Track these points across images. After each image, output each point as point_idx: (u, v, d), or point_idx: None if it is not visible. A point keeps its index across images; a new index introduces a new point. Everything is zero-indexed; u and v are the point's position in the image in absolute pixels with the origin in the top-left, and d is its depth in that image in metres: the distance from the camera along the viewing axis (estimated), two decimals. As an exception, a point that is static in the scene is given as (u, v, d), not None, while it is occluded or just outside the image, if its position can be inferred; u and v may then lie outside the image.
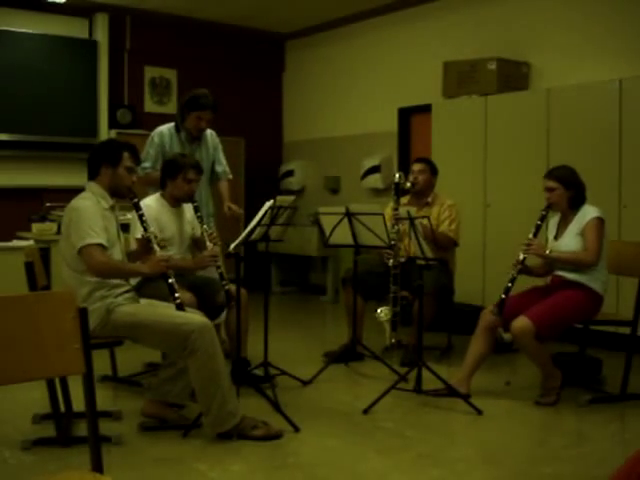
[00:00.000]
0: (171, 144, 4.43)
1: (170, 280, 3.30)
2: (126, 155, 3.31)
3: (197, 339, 3.10)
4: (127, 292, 3.33)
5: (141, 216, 3.37)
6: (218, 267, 3.80)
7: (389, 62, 7.31)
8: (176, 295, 3.30)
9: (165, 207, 4.00)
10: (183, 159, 4.02)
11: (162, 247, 3.38)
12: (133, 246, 3.75)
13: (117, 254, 3.30)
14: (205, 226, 3.88)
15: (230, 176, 4.77)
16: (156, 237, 3.39)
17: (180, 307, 3.31)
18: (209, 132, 4.60)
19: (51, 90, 6.81)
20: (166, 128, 4.50)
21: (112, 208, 3.33)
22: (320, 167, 8.14)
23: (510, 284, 3.79)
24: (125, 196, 3.38)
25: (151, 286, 3.71)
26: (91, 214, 3.16)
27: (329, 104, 8.05)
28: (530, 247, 3.80)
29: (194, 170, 3.96)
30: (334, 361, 4.52)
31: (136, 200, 3.38)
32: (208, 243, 3.79)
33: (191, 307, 3.51)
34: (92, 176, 3.32)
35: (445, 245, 4.65)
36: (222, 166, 4.67)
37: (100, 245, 3.14)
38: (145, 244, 3.41)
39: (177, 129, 4.48)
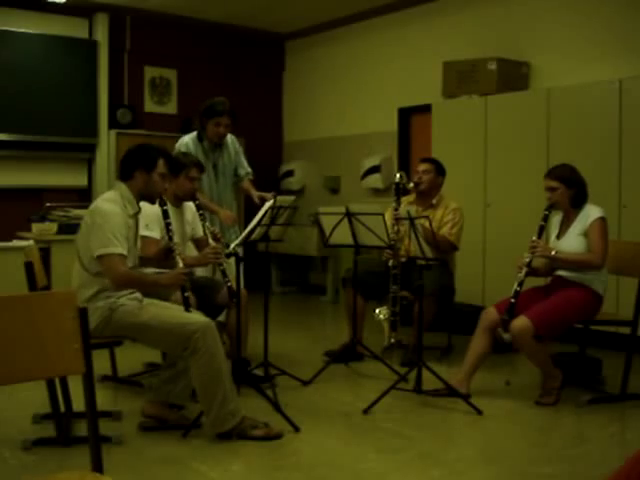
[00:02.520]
0: (196, 153, 4.46)
1: (186, 294, 3.31)
2: (161, 162, 3.31)
3: (200, 338, 3.10)
4: (131, 292, 3.32)
5: (168, 225, 3.37)
6: (220, 264, 3.80)
7: (389, 62, 7.31)
8: (189, 309, 3.30)
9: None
10: (185, 157, 4.05)
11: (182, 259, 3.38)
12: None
13: (131, 261, 3.28)
14: (207, 223, 3.88)
15: (252, 177, 4.81)
16: (178, 247, 3.39)
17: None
18: (229, 137, 4.66)
19: (51, 90, 6.81)
20: (189, 138, 4.56)
21: (136, 214, 3.33)
22: (320, 167, 8.14)
23: (519, 288, 3.78)
24: (154, 202, 3.39)
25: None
26: (117, 222, 3.15)
27: (329, 104, 8.05)
28: (536, 249, 3.79)
29: (196, 168, 3.99)
30: (334, 360, 4.52)
31: (166, 208, 3.39)
32: (211, 241, 3.79)
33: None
34: (125, 177, 3.31)
35: (444, 249, 4.58)
36: (244, 169, 4.74)
37: (121, 255, 3.13)
38: (165, 252, 3.42)
39: (200, 138, 4.53)
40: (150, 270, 3.59)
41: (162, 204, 3.38)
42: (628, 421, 3.77)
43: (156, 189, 3.32)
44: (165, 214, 3.38)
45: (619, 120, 4.99)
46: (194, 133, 4.57)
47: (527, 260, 3.81)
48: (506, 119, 5.70)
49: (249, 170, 4.76)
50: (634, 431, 3.61)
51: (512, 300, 3.77)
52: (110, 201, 3.23)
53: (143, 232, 3.77)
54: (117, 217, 3.16)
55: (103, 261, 3.11)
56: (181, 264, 3.32)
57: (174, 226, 3.96)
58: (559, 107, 5.35)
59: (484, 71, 5.84)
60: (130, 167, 3.30)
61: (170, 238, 3.38)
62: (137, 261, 3.40)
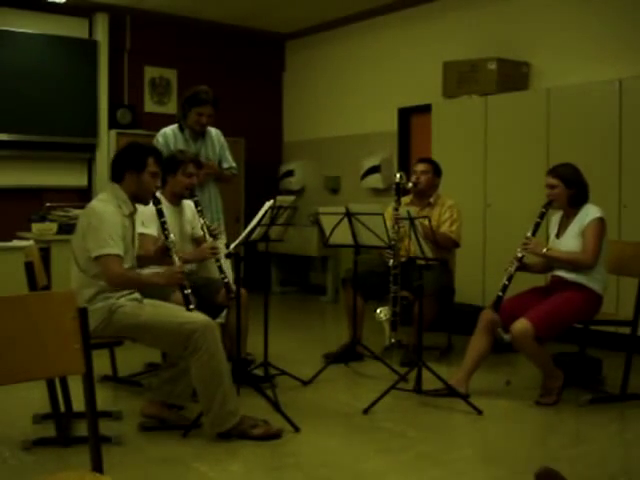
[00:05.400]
0: (175, 143, 4.50)
1: (186, 291, 3.26)
2: (151, 161, 3.28)
3: (199, 338, 3.10)
4: (130, 293, 3.31)
5: (163, 223, 3.34)
6: (217, 260, 3.78)
7: (389, 62, 7.31)
8: (190, 307, 3.25)
9: (165, 205, 3.98)
10: (182, 154, 4.07)
11: (179, 257, 3.33)
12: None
13: (129, 261, 3.27)
14: (205, 219, 3.88)
15: (236, 172, 4.86)
16: (175, 245, 3.36)
17: None
18: (214, 131, 4.67)
19: (51, 90, 6.81)
20: (170, 129, 4.59)
21: (131, 214, 3.31)
22: (320, 167, 8.14)
23: (507, 282, 3.80)
24: (147, 203, 3.36)
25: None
26: (112, 222, 3.14)
27: (329, 104, 8.05)
28: (528, 245, 3.80)
29: (193, 164, 4.00)
30: (334, 361, 4.52)
31: (160, 207, 3.36)
32: (208, 237, 3.78)
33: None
34: (116, 179, 3.30)
35: (446, 246, 4.64)
36: (228, 163, 4.75)
37: (117, 256, 3.12)
38: (162, 251, 3.40)
39: (180, 128, 4.56)
40: (148, 270, 3.58)
41: (156, 203, 3.36)
42: (628, 421, 3.77)
43: (148, 189, 3.30)
44: (160, 213, 3.36)
45: (619, 120, 4.99)
46: (175, 124, 4.59)
47: (519, 255, 3.82)
48: (506, 119, 5.70)
49: (233, 165, 4.77)
50: (634, 431, 3.59)
51: (499, 293, 3.78)
52: (105, 201, 3.22)
53: (140, 229, 3.77)
54: (112, 217, 3.16)
55: (100, 262, 3.11)
56: (178, 263, 3.30)
57: (173, 225, 3.98)
58: (559, 107, 5.35)
59: (484, 71, 5.84)
60: (120, 169, 3.29)
61: (166, 237, 3.36)
62: (135, 261, 3.38)
